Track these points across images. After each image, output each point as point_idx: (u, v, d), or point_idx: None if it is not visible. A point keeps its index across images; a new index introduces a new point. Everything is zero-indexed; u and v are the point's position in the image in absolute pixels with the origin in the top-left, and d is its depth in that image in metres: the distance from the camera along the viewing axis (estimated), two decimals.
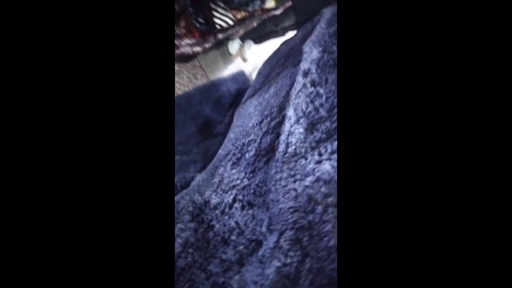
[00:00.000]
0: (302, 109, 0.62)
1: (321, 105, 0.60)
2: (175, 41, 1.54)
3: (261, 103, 0.93)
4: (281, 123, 0.66)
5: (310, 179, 0.46)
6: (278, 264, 0.40)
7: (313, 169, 0.47)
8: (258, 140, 0.75)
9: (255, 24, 2.24)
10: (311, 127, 0.56)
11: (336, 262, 0.36)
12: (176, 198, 0.73)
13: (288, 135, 0.59)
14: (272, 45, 2.45)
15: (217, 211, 0.58)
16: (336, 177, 0.44)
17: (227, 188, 0.67)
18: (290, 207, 0.48)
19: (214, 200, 0.63)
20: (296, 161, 0.51)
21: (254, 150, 0.73)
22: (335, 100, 0.61)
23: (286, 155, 0.55)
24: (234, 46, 2.22)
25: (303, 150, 0.52)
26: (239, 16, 2.02)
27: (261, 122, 0.84)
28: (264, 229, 0.47)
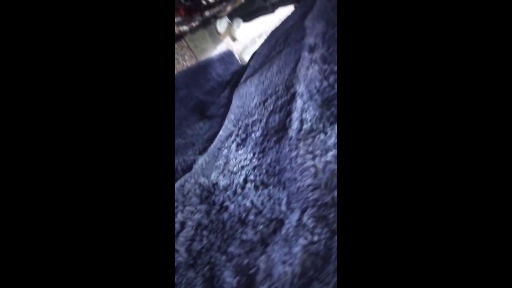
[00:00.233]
0: (315, 86, 0.59)
1: (336, 81, 0.57)
2: None
3: (263, 82, 0.89)
4: (290, 100, 0.63)
5: (332, 153, 0.44)
6: (305, 242, 0.38)
7: (335, 144, 0.45)
8: (264, 120, 0.72)
9: (243, 0, 2.15)
10: (327, 103, 0.54)
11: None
12: (180, 181, 0.70)
13: (302, 112, 0.56)
14: (261, 23, 2.38)
15: (228, 192, 0.55)
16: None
17: (235, 169, 0.64)
18: (309, 185, 0.46)
19: (223, 182, 0.60)
20: (314, 137, 0.49)
21: (260, 130, 0.70)
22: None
23: (302, 132, 0.52)
24: (222, 24, 2.13)
25: (321, 125, 0.49)
26: None
27: (264, 101, 0.81)
28: (283, 207, 0.45)
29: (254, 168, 0.59)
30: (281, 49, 1.01)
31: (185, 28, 1.81)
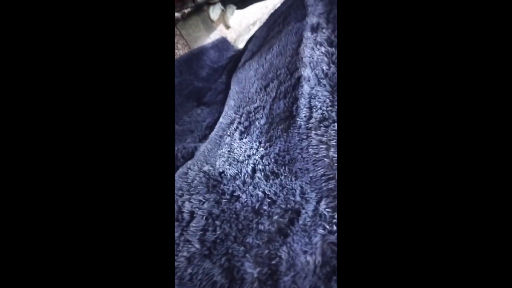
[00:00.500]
0: (323, 70, 0.57)
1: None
2: None
3: (263, 65, 0.86)
4: (295, 86, 0.61)
5: None
6: (323, 232, 0.38)
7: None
8: (268, 107, 0.71)
9: None
10: (336, 90, 0.53)
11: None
12: (183, 169, 0.68)
13: (310, 98, 0.55)
14: (256, 10, 2.31)
15: (237, 182, 0.54)
16: None
17: (241, 158, 0.63)
18: (322, 175, 0.46)
19: (230, 171, 0.59)
20: (327, 126, 0.48)
21: (264, 117, 0.69)
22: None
23: (312, 121, 0.52)
24: (215, 11, 2.04)
25: (334, 113, 0.49)
26: None
27: (266, 86, 0.79)
28: (298, 198, 0.45)
29: (261, 157, 0.58)
30: (280, 29, 0.97)
31: (177, 15, 1.73)
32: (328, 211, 0.41)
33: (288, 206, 0.44)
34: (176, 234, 0.46)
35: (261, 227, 0.42)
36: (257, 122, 0.71)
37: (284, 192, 0.47)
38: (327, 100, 0.53)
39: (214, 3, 2.02)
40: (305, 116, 0.55)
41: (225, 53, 1.77)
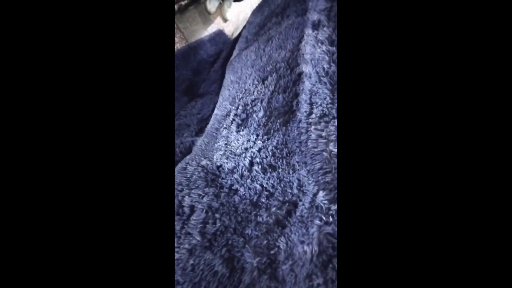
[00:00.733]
0: (323, 68, 0.58)
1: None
2: None
3: (261, 57, 0.86)
4: (296, 81, 0.62)
5: None
6: (320, 223, 0.40)
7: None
8: (266, 100, 0.71)
9: None
10: (336, 88, 0.54)
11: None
12: (181, 164, 0.69)
13: (311, 94, 0.56)
14: (254, 2, 2.27)
15: (235, 175, 0.55)
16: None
17: (238, 151, 0.64)
18: (319, 168, 0.47)
19: (228, 164, 0.60)
20: (327, 122, 0.49)
21: (262, 110, 0.70)
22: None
23: (312, 116, 0.52)
24: (212, 3, 2.02)
25: (334, 110, 0.50)
26: None
27: (264, 79, 0.79)
28: (295, 190, 0.46)
29: (259, 150, 0.59)
30: (278, 21, 0.97)
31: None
32: (324, 203, 0.42)
33: (286, 198, 0.46)
34: (178, 228, 0.47)
35: (259, 219, 0.43)
36: (254, 115, 0.71)
37: (282, 185, 0.48)
38: (328, 98, 0.54)
39: None
40: (305, 112, 0.56)
41: (222, 46, 1.75)
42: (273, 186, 0.49)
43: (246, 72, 0.90)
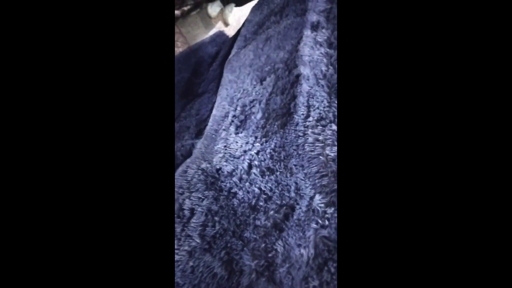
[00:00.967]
0: (321, 70, 0.59)
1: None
2: None
3: (259, 56, 0.86)
4: (294, 83, 0.63)
5: None
6: (316, 226, 0.41)
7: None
8: (264, 101, 0.72)
9: None
10: (334, 91, 0.54)
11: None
12: (182, 168, 0.70)
13: (308, 97, 0.56)
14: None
15: (234, 178, 0.56)
16: None
17: (237, 153, 0.65)
18: (316, 172, 0.48)
19: (227, 167, 0.61)
20: (324, 125, 0.50)
21: (260, 112, 0.70)
22: None
23: (309, 119, 0.53)
24: (214, 8, 2.03)
25: (331, 114, 0.50)
26: None
27: (262, 80, 0.79)
28: (292, 194, 0.47)
29: (257, 153, 0.60)
30: (277, 20, 0.97)
31: (176, 13, 1.72)
32: (321, 207, 0.43)
33: (283, 201, 0.46)
34: (178, 230, 0.48)
35: (257, 222, 0.44)
36: (253, 117, 0.72)
37: (280, 188, 0.49)
38: (325, 101, 0.55)
39: (213, 1, 2.01)
40: (302, 114, 0.56)
41: (222, 47, 1.76)
42: (271, 189, 0.50)
43: (245, 71, 0.90)
